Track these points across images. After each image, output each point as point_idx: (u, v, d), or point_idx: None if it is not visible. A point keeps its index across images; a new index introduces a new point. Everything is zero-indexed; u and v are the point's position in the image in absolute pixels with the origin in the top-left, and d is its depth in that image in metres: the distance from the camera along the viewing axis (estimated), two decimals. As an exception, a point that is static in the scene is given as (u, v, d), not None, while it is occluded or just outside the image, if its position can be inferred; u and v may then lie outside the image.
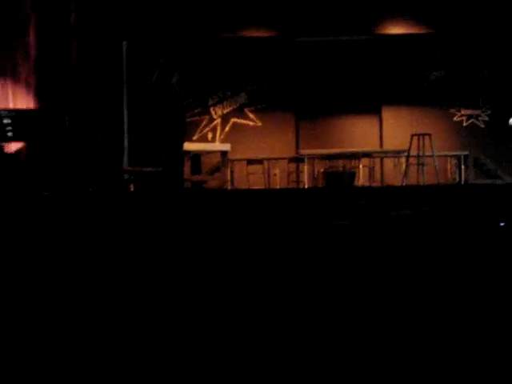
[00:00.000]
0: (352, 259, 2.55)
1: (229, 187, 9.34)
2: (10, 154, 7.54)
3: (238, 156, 9.95)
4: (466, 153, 10.01)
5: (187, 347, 1.90)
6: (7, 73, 7.76)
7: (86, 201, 5.38)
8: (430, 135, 8.90)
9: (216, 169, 9.57)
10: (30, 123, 6.89)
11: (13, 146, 7.55)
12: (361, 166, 9.55)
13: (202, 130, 10.69)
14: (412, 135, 8.95)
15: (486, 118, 10.67)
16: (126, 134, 8.71)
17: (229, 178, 9.64)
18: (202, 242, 3.07)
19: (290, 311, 1.97)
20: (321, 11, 10.26)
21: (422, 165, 9.19)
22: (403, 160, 9.55)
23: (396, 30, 10.67)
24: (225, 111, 10.72)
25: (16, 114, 7.00)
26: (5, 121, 6.84)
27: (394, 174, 9.89)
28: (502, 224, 3.19)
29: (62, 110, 7.21)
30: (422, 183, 9.11)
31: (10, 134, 6.81)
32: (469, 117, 10.76)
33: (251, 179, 9.71)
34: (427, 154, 10.06)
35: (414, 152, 9.21)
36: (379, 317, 1.92)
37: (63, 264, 2.69)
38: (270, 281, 2.28)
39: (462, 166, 9.83)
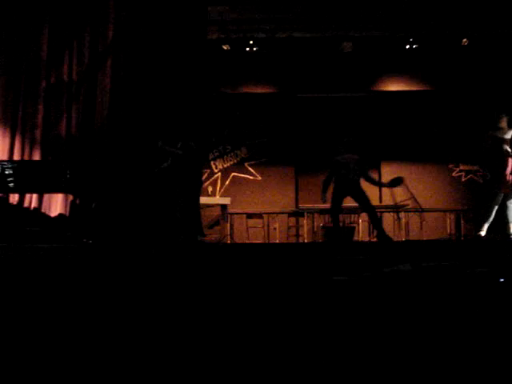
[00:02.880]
0: (350, 315, 2.54)
1: (228, 241, 9.33)
2: (13, 205, 7.62)
3: (238, 210, 9.99)
4: (465, 208, 10.06)
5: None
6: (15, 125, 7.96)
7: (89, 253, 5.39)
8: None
9: (216, 222, 9.58)
10: (31, 174, 6.99)
11: (16, 197, 7.65)
12: (360, 221, 9.57)
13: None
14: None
15: (485, 174, 10.76)
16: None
17: (228, 231, 9.64)
18: (201, 297, 3.07)
19: (286, 367, 1.96)
20: (320, 68, 10.49)
21: (422, 220, 9.22)
22: (403, 215, 9.58)
23: (394, 87, 10.88)
24: (225, 165, 10.82)
25: (17, 165, 7.11)
26: (6, 172, 6.94)
27: (393, 228, 9.90)
28: (501, 280, 3.19)
29: (63, 162, 7.31)
30: (421, 238, 9.12)
31: (11, 184, 6.91)
32: (467, 172, 10.85)
33: (251, 233, 9.72)
34: (427, 209, 10.13)
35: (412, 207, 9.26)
36: (377, 374, 1.91)
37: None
38: (268, 336, 2.27)
39: (461, 221, 9.86)
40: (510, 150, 7.33)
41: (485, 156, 7.59)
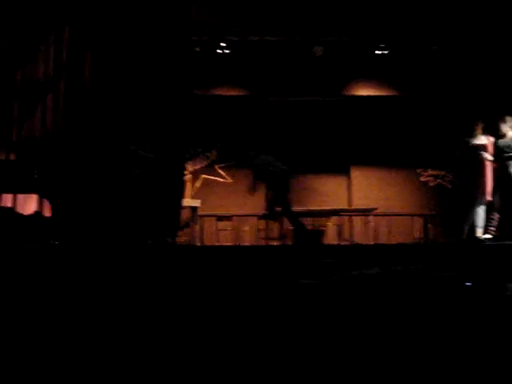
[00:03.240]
0: (318, 318, 2.54)
1: (198, 243, 9.28)
2: None
3: (208, 212, 9.94)
4: (433, 212, 10.18)
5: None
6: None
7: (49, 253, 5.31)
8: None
9: (185, 224, 9.53)
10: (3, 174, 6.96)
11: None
12: (330, 225, 9.62)
13: (172, 186, 10.69)
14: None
15: (453, 179, 10.90)
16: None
17: (198, 233, 9.60)
18: (167, 298, 3.04)
19: (250, 370, 1.94)
20: (291, 72, 10.52)
21: (390, 224, 9.30)
22: (371, 218, 9.66)
23: (365, 91, 10.98)
24: (196, 167, 10.76)
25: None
26: None
27: (362, 232, 9.97)
28: (468, 284, 3.22)
29: (31, 163, 7.23)
30: (390, 242, 9.20)
31: None
32: (435, 177, 10.98)
33: (221, 235, 9.69)
34: (395, 213, 10.23)
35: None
36: (346, 378, 1.91)
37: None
38: (236, 339, 2.25)
39: (429, 226, 9.97)
40: (487, 155, 7.43)
41: (457, 162, 7.70)
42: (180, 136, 8.07)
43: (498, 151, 7.41)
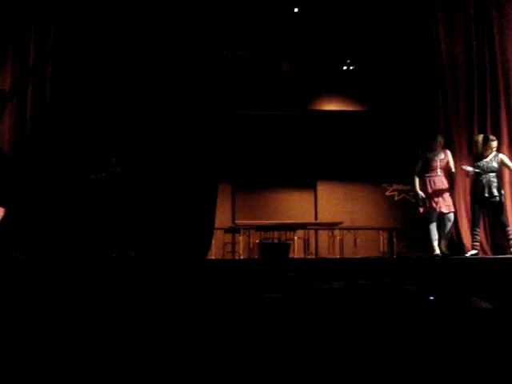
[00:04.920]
0: (282, 332, 2.52)
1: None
2: None
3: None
4: (398, 226, 10.28)
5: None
6: None
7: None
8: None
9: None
10: None
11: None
12: (296, 238, 9.64)
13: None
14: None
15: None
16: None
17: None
18: (129, 311, 2.98)
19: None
20: (259, 86, 10.54)
21: (356, 238, 9.36)
22: (337, 233, 9.70)
23: (331, 106, 11.07)
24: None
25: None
26: None
27: (328, 246, 10.01)
28: (431, 298, 3.23)
29: None
30: (355, 256, 9.25)
31: None
32: (400, 192, 11.10)
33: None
34: (361, 227, 10.30)
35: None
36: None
37: None
38: (200, 355, 2.22)
39: (394, 240, 10.06)
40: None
41: (416, 176, 7.76)
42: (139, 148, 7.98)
43: (478, 170, 7.46)
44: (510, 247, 7.35)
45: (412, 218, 10.63)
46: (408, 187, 11.03)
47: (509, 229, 7.40)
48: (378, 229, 10.34)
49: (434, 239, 7.50)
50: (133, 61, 8.23)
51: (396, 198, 11.08)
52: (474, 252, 7.44)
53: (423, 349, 2.25)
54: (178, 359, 2.17)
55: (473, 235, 7.57)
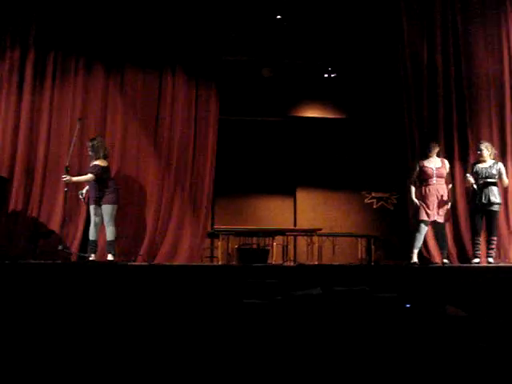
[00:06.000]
0: (260, 338, 2.52)
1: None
2: None
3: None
4: (376, 234, 10.34)
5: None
6: None
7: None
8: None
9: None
10: None
11: None
12: (275, 244, 9.63)
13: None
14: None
15: (395, 201, 11.10)
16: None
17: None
18: (92, 318, 2.97)
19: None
20: (240, 92, 10.54)
21: (335, 245, 9.40)
22: (316, 239, 9.73)
23: (311, 113, 11.10)
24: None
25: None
26: None
27: (307, 252, 10.03)
28: (407, 306, 3.26)
29: None
30: (334, 262, 9.28)
31: None
32: (378, 199, 11.17)
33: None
34: (339, 234, 10.34)
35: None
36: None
37: None
38: (176, 361, 2.21)
39: (372, 247, 10.11)
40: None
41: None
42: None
43: (476, 175, 7.52)
44: (488, 256, 7.42)
45: (390, 225, 10.73)
46: (387, 195, 11.12)
47: (494, 238, 7.47)
48: (357, 236, 10.38)
49: (416, 247, 7.52)
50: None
51: (375, 206, 11.15)
52: (477, 260, 7.46)
53: (398, 355, 2.27)
54: (157, 365, 2.17)
55: (474, 244, 7.59)
